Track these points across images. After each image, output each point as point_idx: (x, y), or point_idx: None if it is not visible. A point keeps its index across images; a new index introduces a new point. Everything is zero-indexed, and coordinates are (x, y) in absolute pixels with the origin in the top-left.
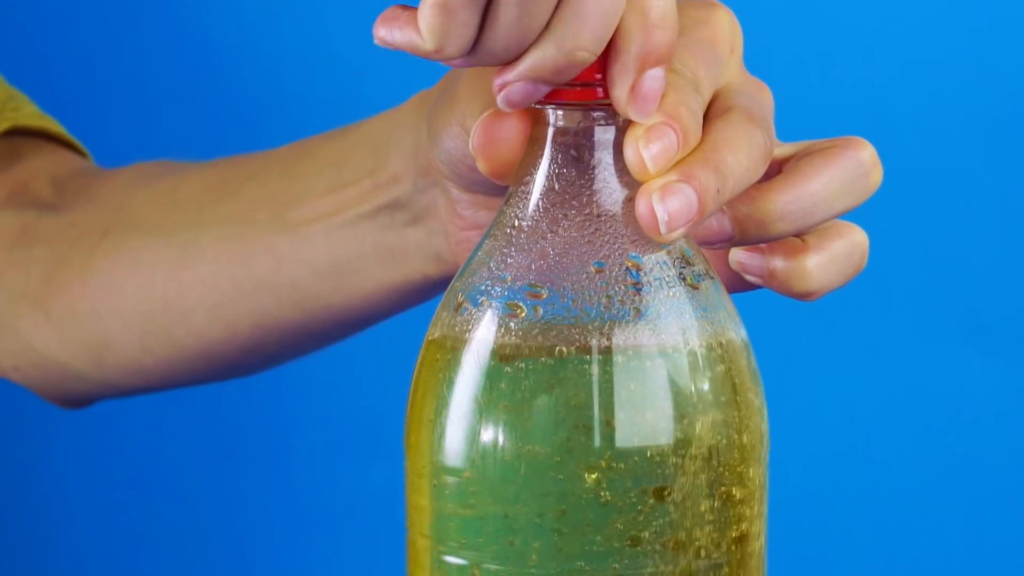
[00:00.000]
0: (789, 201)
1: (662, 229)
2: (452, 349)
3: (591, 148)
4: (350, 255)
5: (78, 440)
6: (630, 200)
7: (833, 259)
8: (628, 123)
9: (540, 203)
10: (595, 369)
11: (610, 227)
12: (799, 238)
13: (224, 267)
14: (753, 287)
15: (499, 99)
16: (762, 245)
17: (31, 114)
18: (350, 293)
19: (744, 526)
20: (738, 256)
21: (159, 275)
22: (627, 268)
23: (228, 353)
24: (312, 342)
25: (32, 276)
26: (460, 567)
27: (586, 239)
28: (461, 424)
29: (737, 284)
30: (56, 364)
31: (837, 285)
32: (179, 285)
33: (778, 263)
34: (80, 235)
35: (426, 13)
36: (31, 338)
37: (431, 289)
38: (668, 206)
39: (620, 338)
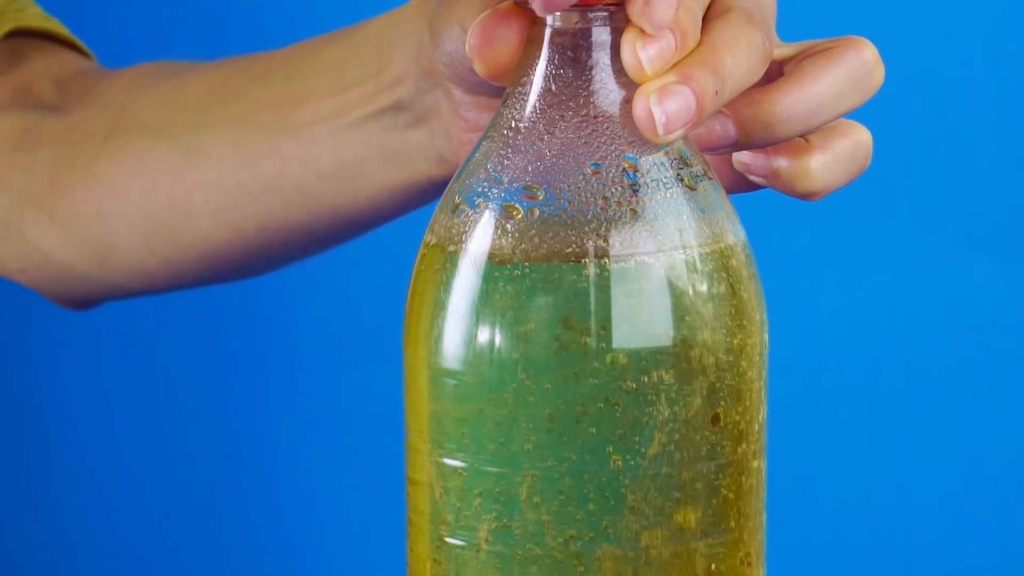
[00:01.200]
0: (793, 103)
1: (659, 131)
2: (449, 251)
3: (588, 49)
4: (354, 156)
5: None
6: (627, 101)
7: (837, 158)
8: (626, 24)
9: (537, 104)
10: (591, 270)
11: (607, 128)
12: (803, 138)
13: (229, 169)
14: (757, 187)
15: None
16: None
17: (35, 15)
18: (355, 194)
19: (742, 429)
20: (742, 157)
21: (164, 177)
22: (624, 169)
23: (234, 255)
24: (318, 243)
25: (36, 178)
26: (457, 469)
27: (583, 140)
28: (458, 326)
29: (741, 184)
30: (61, 266)
31: (841, 184)
32: (184, 187)
33: (782, 163)
34: (84, 137)
35: None
36: (36, 240)
37: (435, 190)
38: (666, 108)
39: (617, 239)
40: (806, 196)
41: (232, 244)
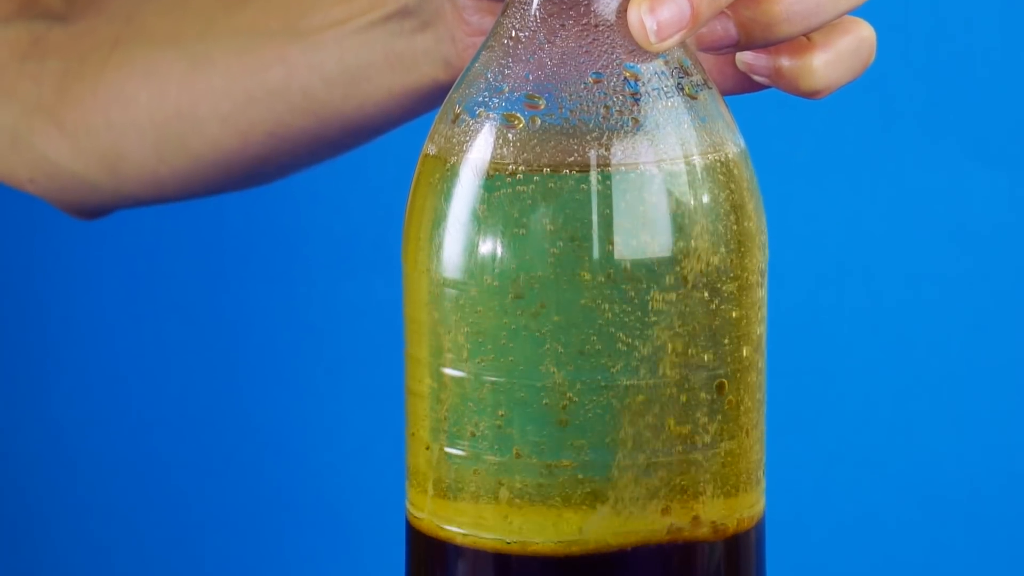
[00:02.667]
0: (793, 2)
1: (651, 39)
2: (450, 161)
3: None
4: (361, 62)
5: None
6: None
7: (840, 56)
8: None
9: (537, 13)
10: (593, 180)
11: (608, 37)
12: (805, 36)
13: (236, 77)
14: (760, 88)
15: None
16: None
17: None
18: (362, 100)
19: (743, 339)
20: (745, 57)
21: (171, 86)
22: (625, 78)
23: (243, 162)
24: (326, 149)
25: (44, 88)
26: (458, 379)
27: (584, 49)
28: (458, 236)
29: (745, 85)
30: (71, 175)
31: (845, 82)
32: (192, 95)
33: (785, 62)
34: (91, 46)
35: None
36: (45, 150)
37: (441, 94)
38: (657, 16)
39: (618, 149)
40: (810, 94)
41: (241, 151)
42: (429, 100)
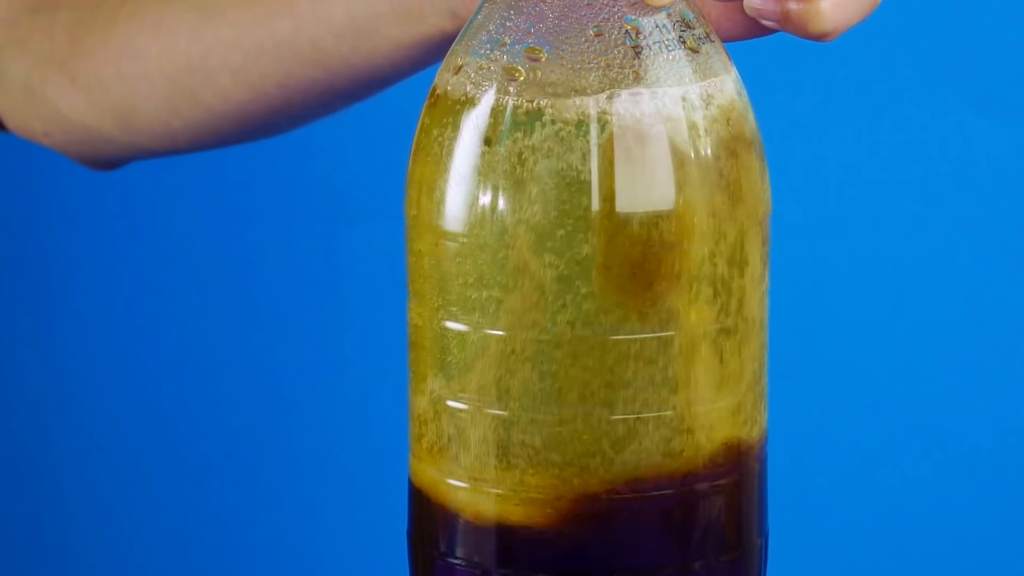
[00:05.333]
0: None
1: None
2: (452, 113)
3: None
4: (368, 13)
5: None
6: None
7: None
8: None
9: None
10: (594, 133)
11: None
12: None
13: (245, 28)
14: (769, 32)
15: None
16: None
17: None
18: (370, 51)
19: (747, 289)
20: (753, 2)
21: (182, 38)
22: (626, 31)
23: (255, 113)
24: (337, 100)
25: (56, 41)
26: (460, 333)
27: (585, 2)
28: (461, 189)
29: (754, 30)
30: (84, 128)
31: (853, 23)
32: (202, 47)
33: (792, 5)
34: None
35: None
36: (58, 103)
37: (449, 45)
38: None
39: (619, 102)
40: (819, 37)
41: (252, 103)
42: (437, 51)
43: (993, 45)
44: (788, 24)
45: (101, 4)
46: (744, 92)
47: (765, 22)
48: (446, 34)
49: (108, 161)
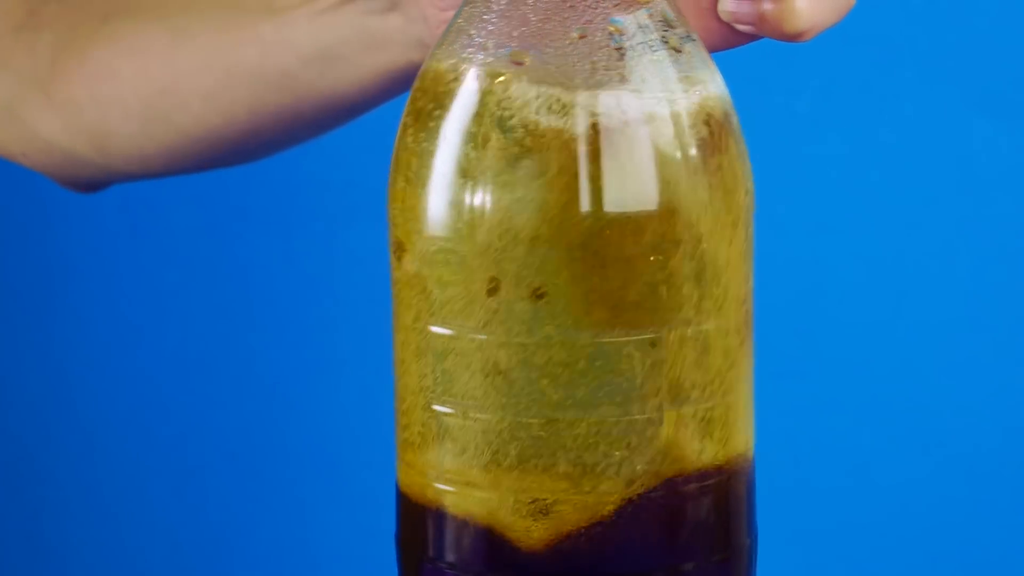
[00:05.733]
0: None
1: None
2: (433, 118)
3: None
4: (334, 41)
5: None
6: None
7: None
8: None
9: None
10: (580, 135)
11: None
12: None
13: (215, 53)
14: (746, 39)
15: None
16: None
17: None
18: (337, 79)
19: (733, 290)
20: (727, 6)
21: (154, 61)
22: (609, 33)
23: (228, 138)
24: (308, 128)
25: (39, 61)
26: (445, 336)
27: (568, 4)
28: (444, 193)
29: (729, 38)
30: (61, 151)
31: (830, 22)
32: (173, 71)
33: (767, 6)
34: (82, 20)
35: None
36: (36, 125)
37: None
38: None
39: (604, 104)
40: (795, 37)
41: (225, 129)
42: (405, 79)
43: (993, 45)
44: (764, 26)
45: (81, 24)
46: (726, 91)
47: (740, 26)
48: (413, 64)
49: (86, 183)
